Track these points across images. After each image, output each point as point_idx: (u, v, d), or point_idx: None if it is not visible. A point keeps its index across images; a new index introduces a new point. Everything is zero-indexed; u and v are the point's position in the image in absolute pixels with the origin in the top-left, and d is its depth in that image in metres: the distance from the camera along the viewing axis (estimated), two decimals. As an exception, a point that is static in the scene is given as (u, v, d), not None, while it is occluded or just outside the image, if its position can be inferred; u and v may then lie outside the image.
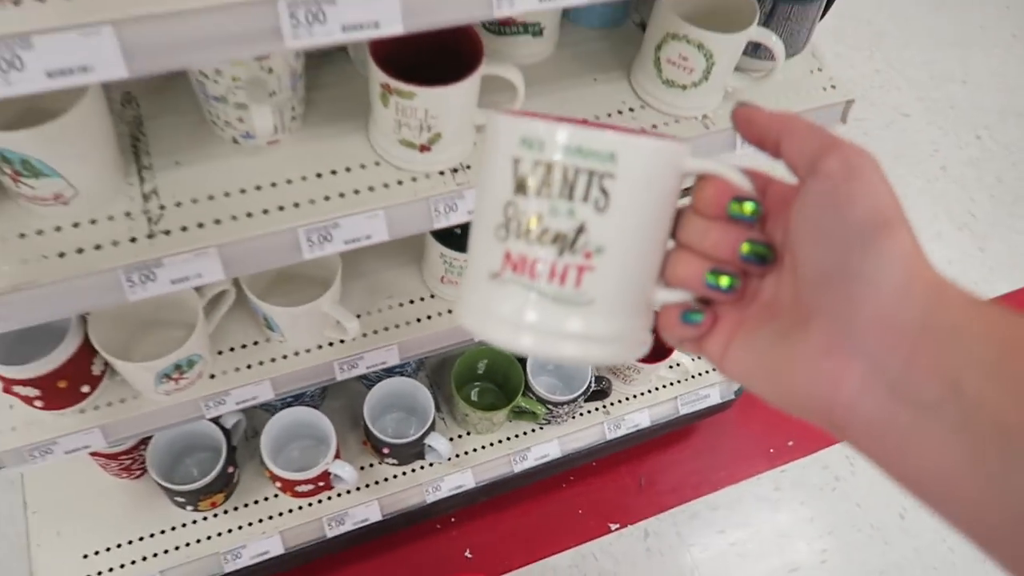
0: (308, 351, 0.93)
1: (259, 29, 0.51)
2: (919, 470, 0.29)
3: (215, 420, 1.07)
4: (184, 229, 0.67)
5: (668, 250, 0.36)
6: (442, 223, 0.76)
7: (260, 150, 0.73)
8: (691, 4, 0.79)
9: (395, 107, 0.69)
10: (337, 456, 1.10)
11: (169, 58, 0.50)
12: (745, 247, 0.34)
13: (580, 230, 0.33)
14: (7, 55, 0.45)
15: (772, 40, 0.78)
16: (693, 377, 1.33)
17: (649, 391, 1.31)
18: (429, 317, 0.98)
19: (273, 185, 0.71)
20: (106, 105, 0.64)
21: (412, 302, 0.99)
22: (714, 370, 1.32)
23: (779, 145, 0.33)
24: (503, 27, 0.82)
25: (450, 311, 0.99)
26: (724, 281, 0.34)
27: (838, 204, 0.30)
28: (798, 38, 0.86)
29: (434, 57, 0.70)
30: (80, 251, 0.64)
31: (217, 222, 0.68)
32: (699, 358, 1.29)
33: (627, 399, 1.30)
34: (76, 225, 0.66)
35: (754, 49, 0.85)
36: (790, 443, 1.50)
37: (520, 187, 0.33)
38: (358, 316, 0.94)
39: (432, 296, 1.00)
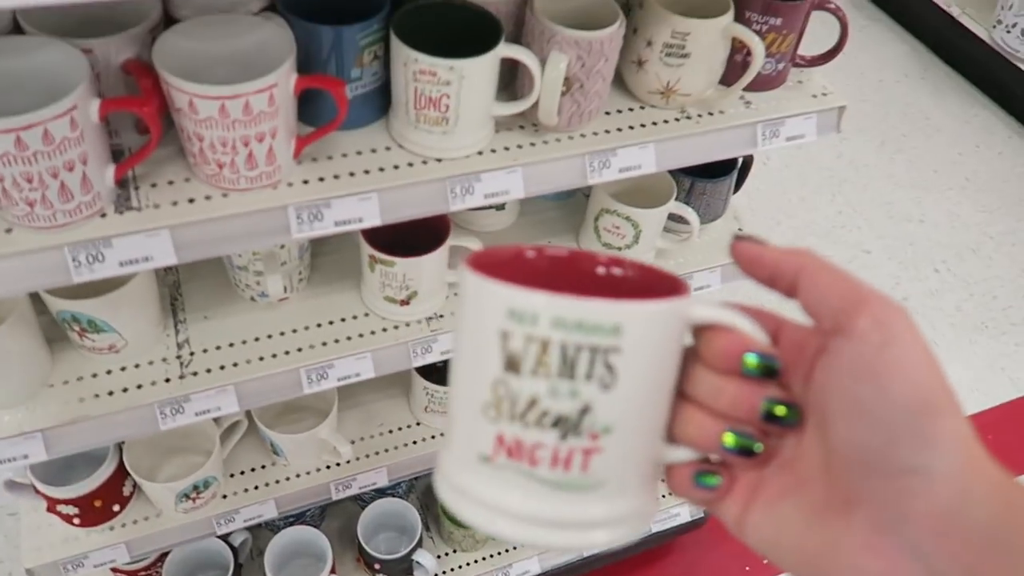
0: (308, 473, 1.07)
1: (274, 227, 0.69)
2: None
3: (224, 538, 1.19)
4: (208, 371, 0.84)
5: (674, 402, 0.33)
6: (420, 362, 0.92)
7: (273, 306, 0.91)
8: (620, 185, 0.99)
9: (379, 272, 0.87)
10: (333, 572, 1.21)
11: (207, 250, 0.68)
12: (766, 408, 0.31)
13: (584, 411, 0.30)
14: (94, 252, 0.63)
15: (687, 212, 0.96)
16: (663, 496, 1.44)
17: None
18: (415, 442, 1.13)
19: (281, 334, 0.88)
20: (154, 276, 0.82)
21: (400, 429, 1.14)
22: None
23: (795, 289, 0.30)
24: (472, 203, 1.01)
25: (434, 436, 1.14)
26: (745, 445, 0.31)
27: (877, 377, 0.26)
28: (716, 207, 1.05)
29: (412, 231, 0.89)
30: (125, 390, 0.81)
31: (235, 365, 0.85)
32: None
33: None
34: (123, 369, 0.82)
35: (679, 216, 1.04)
36: (766, 560, 1.58)
37: (511, 365, 0.30)
38: (352, 442, 1.09)
39: (418, 424, 1.15)
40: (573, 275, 0.35)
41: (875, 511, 0.27)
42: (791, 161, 2.37)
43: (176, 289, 0.92)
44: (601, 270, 0.36)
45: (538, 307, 0.30)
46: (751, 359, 0.31)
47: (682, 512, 1.45)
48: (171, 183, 0.69)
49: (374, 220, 0.73)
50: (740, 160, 1.05)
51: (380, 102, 0.77)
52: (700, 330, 0.33)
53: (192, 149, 0.66)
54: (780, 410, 0.31)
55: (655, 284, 0.33)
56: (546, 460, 0.30)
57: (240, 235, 0.68)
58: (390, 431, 1.14)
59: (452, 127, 0.73)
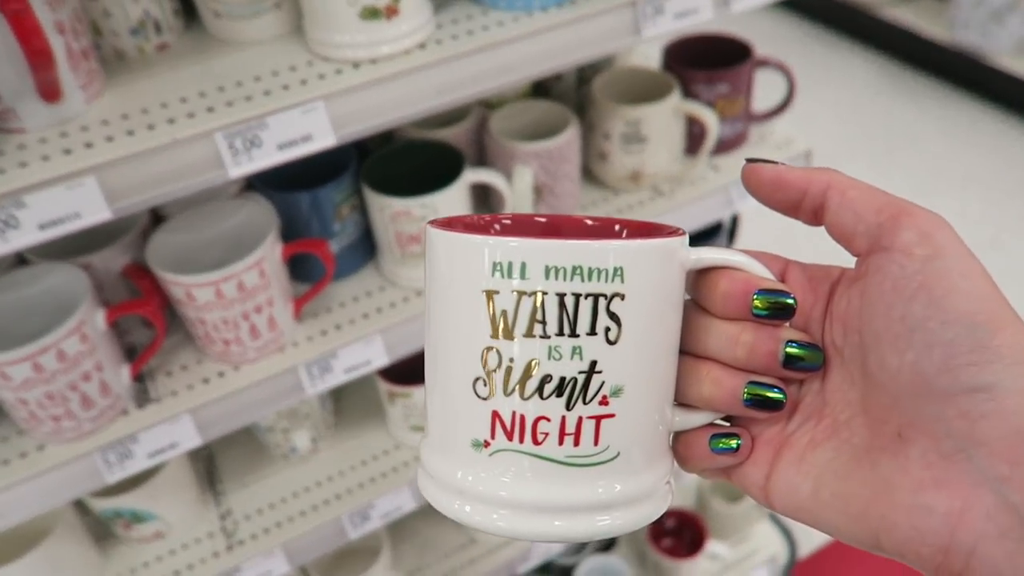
0: (373, 616, 1.06)
1: (288, 388, 0.72)
2: None
3: None
4: (254, 537, 0.85)
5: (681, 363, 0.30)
6: (457, 484, 0.92)
7: (305, 459, 0.92)
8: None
9: (400, 405, 0.88)
10: None
11: (229, 424, 0.70)
12: (789, 351, 0.28)
13: (591, 371, 0.26)
14: (122, 450, 0.66)
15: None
16: (736, 562, 1.40)
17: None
18: (472, 561, 1.12)
19: (318, 484, 0.90)
20: (187, 456, 0.85)
21: (456, 551, 1.13)
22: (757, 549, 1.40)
23: (822, 210, 0.28)
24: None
25: (490, 551, 1.12)
26: (771, 395, 0.28)
27: (928, 291, 0.24)
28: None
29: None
30: (176, 573, 0.82)
31: (279, 525, 0.86)
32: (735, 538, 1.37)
33: (680, 599, 1.36)
34: (172, 552, 0.84)
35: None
36: (803, 524, 1.51)
37: (499, 329, 0.26)
38: (410, 574, 1.08)
39: (472, 541, 1.14)
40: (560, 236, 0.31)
41: (937, 440, 0.24)
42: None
43: (211, 462, 0.94)
44: (590, 223, 0.32)
45: (527, 255, 0.26)
46: (761, 297, 0.28)
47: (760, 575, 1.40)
48: (184, 368, 0.72)
49: (381, 360, 0.76)
50: (727, 221, 1.07)
51: (366, 247, 0.80)
52: (701, 277, 0.29)
53: (198, 333, 0.69)
54: (802, 352, 0.28)
55: (648, 232, 0.30)
56: (553, 434, 0.26)
57: (257, 403, 0.71)
58: (447, 555, 1.13)
59: (437, 257, 0.76)
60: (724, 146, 0.91)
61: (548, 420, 0.26)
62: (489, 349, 0.26)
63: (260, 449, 0.94)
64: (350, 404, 0.99)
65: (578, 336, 0.26)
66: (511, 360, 0.26)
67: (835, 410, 0.28)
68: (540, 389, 0.26)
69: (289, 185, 0.73)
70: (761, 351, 0.28)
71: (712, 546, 1.35)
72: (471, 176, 0.74)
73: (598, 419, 0.26)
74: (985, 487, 0.23)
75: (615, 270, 0.26)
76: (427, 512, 1.17)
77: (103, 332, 0.63)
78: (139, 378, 0.70)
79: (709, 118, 0.81)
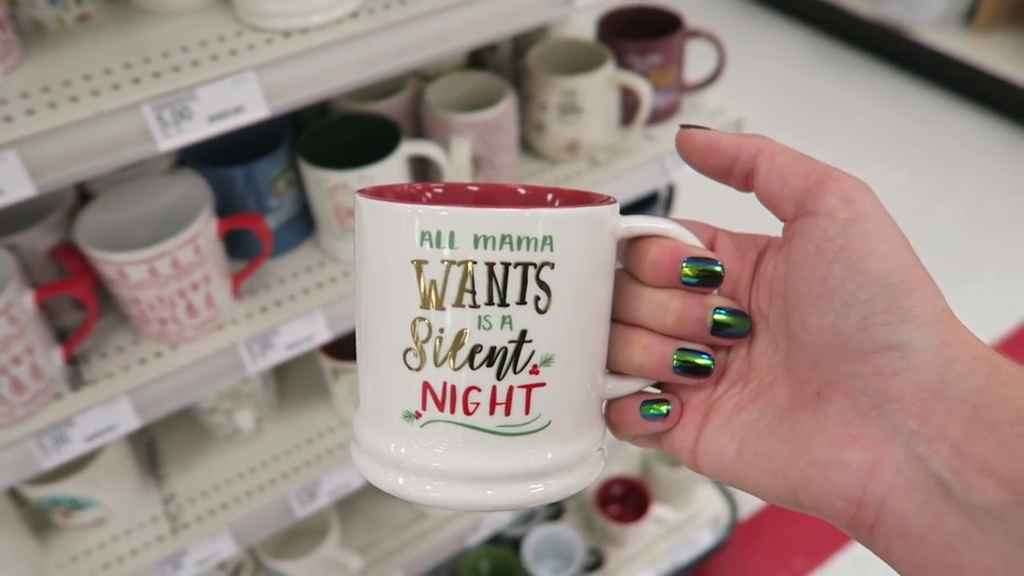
0: (324, 593, 1.06)
1: (229, 366, 0.71)
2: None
3: None
4: (199, 519, 0.84)
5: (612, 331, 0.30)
6: (405, 458, 0.93)
7: (249, 440, 0.91)
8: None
9: (344, 381, 0.88)
10: None
11: (168, 404, 0.69)
12: (717, 317, 0.29)
13: (521, 340, 0.26)
14: (58, 434, 0.65)
15: (624, 249, 0.99)
16: (680, 524, 1.44)
17: (644, 549, 1.42)
18: (423, 535, 1.13)
19: (263, 464, 0.89)
20: (127, 441, 0.83)
21: (407, 525, 1.14)
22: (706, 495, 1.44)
23: (752, 176, 0.28)
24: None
25: (441, 524, 1.13)
26: (699, 362, 0.29)
27: (848, 253, 0.25)
28: (651, 237, 1.09)
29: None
30: (121, 560, 0.81)
31: (224, 506, 0.85)
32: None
33: (626, 563, 1.40)
34: (115, 539, 0.82)
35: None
36: (730, 487, 1.57)
37: (429, 299, 0.26)
38: (361, 550, 1.08)
39: (423, 515, 1.15)
40: (491, 204, 0.31)
41: (853, 398, 0.25)
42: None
43: (152, 446, 0.92)
44: (523, 191, 0.32)
45: (455, 224, 0.25)
46: (690, 265, 0.28)
47: (703, 536, 1.45)
48: (120, 349, 0.70)
49: (323, 336, 0.75)
50: (663, 191, 1.09)
51: (304, 223, 0.80)
52: (632, 246, 0.30)
53: (133, 313, 0.68)
54: (729, 318, 0.29)
55: (579, 200, 0.30)
56: (483, 405, 0.26)
57: (197, 382, 0.70)
58: (396, 530, 1.14)
59: (377, 230, 0.75)
60: (658, 116, 0.92)
61: (479, 390, 0.26)
62: (419, 320, 0.26)
63: (202, 431, 0.92)
64: (294, 382, 0.98)
65: (508, 305, 0.26)
66: (441, 331, 0.26)
67: (760, 374, 0.29)
68: (471, 359, 0.26)
69: (223, 160, 0.72)
70: (690, 318, 0.29)
71: (657, 510, 1.38)
72: (408, 148, 0.74)
73: (529, 388, 0.27)
74: (896, 441, 0.24)
75: (544, 239, 0.26)
76: (376, 488, 1.18)
77: (32, 314, 0.61)
78: (73, 361, 0.68)
79: (643, 88, 0.83)
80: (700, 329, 0.29)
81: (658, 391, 0.31)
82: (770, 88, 2.58)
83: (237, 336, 0.71)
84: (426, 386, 0.27)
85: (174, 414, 0.95)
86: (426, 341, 0.26)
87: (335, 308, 0.75)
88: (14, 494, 0.78)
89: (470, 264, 0.25)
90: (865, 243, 0.25)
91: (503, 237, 0.25)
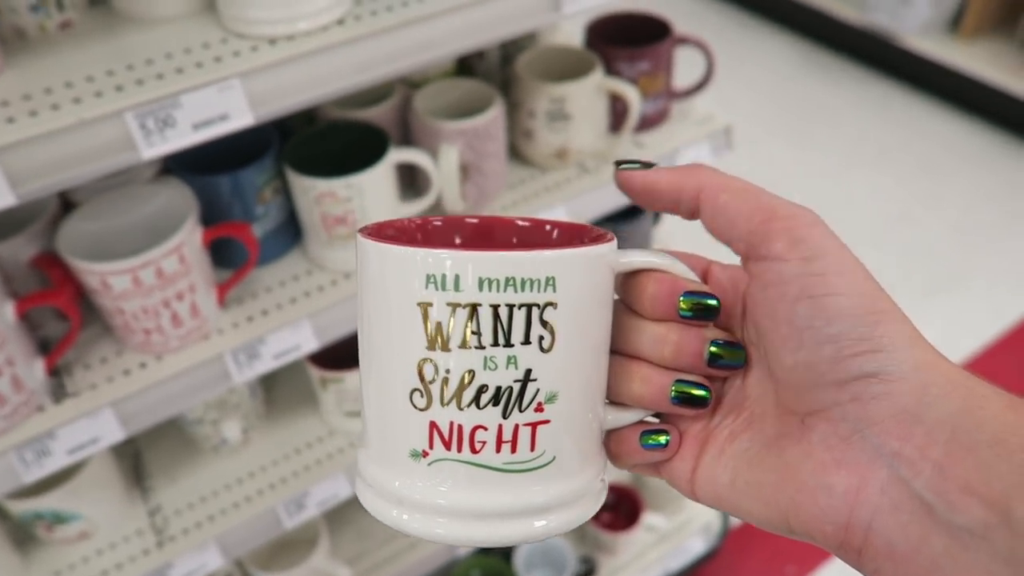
0: (313, 606, 1.05)
1: (215, 377, 0.70)
2: None
3: None
4: (185, 532, 0.83)
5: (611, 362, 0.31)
6: (394, 468, 0.92)
7: (236, 450, 0.90)
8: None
9: (333, 391, 0.87)
10: None
11: (153, 416, 0.68)
12: (713, 350, 0.29)
13: (527, 379, 0.27)
14: (39, 447, 0.63)
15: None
16: (672, 532, 1.43)
17: (636, 557, 1.41)
18: (412, 546, 1.12)
19: (251, 475, 0.88)
20: (111, 453, 0.82)
21: (395, 535, 1.13)
22: (693, 510, 1.44)
23: (697, 213, 0.29)
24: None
25: (430, 535, 1.12)
26: (697, 393, 0.29)
27: (809, 291, 0.26)
28: (641, 244, 1.08)
29: (355, 341, 0.90)
30: (104, 573, 0.79)
31: (211, 518, 0.84)
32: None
33: (617, 571, 1.39)
34: (100, 552, 0.81)
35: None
36: (726, 514, 1.57)
37: (435, 341, 0.26)
38: (350, 562, 1.07)
39: (412, 526, 1.14)
40: (491, 240, 0.32)
41: (835, 424, 0.26)
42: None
43: (137, 458, 0.91)
44: (522, 224, 0.32)
45: (461, 267, 0.26)
46: (686, 300, 0.29)
47: (695, 543, 1.44)
48: (103, 360, 0.69)
49: (311, 345, 0.74)
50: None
51: (291, 231, 0.79)
52: (630, 280, 0.30)
53: (116, 323, 0.67)
54: (724, 351, 0.29)
55: (577, 236, 0.31)
56: (490, 443, 0.27)
57: (183, 393, 0.69)
58: (386, 541, 1.13)
59: (365, 238, 0.75)
60: (647, 123, 0.92)
61: (485, 429, 0.27)
62: (425, 361, 0.27)
63: (189, 442, 0.91)
64: (281, 392, 0.97)
65: (513, 346, 0.26)
66: (447, 371, 0.26)
67: (752, 403, 0.30)
68: (477, 399, 0.27)
69: (209, 168, 0.71)
70: (687, 351, 0.29)
71: (648, 518, 1.38)
72: (396, 156, 0.73)
73: (534, 425, 0.27)
74: (879, 463, 0.25)
75: (547, 280, 0.26)
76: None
77: (13, 325, 0.61)
78: (55, 372, 0.67)
79: (631, 95, 0.83)
80: (697, 362, 0.29)
81: (657, 421, 0.31)
82: (758, 95, 2.59)
83: (223, 346, 0.70)
84: (433, 425, 0.27)
85: (160, 425, 0.94)
86: (432, 382, 0.27)
87: (322, 317, 0.74)
88: (-4, 508, 0.77)
89: (475, 306, 0.26)
90: (823, 281, 0.26)
91: (507, 279, 0.26)
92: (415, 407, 0.27)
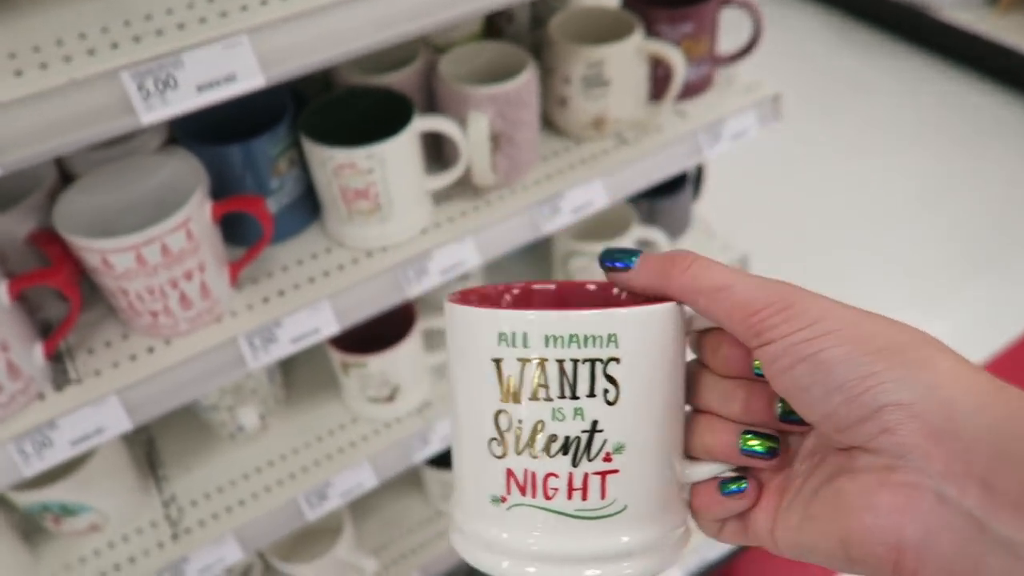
0: (337, 598, 1.01)
1: (228, 362, 0.65)
2: None
3: None
4: (202, 524, 0.79)
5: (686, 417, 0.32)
6: (421, 456, 0.87)
7: (254, 438, 0.86)
8: (581, 223, 0.96)
9: (355, 375, 0.82)
10: None
11: (162, 404, 0.64)
12: (781, 407, 0.29)
13: (593, 430, 0.28)
14: (40, 438, 0.59)
15: (654, 234, 0.93)
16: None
17: (671, 547, 1.36)
18: (441, 535, 1.07)
19: (270, 464, 0.84)
20: (121, 441, 0.78)
21: (422, 525, 1.08)
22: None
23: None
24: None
25: (457, 525, 1.08)
26: (761, 446, 0.29)
27: (802, 357, 0.27)
28: (680, 221, 1.02)
29: (379, 322, 0.85)
30: (117, 567, 0.75)
31: (228, 510, 0.80)
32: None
33: (652, 561, 1.34)
34: (111, 545, 0.77)
35: (647, 240, 1.00)
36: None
37: (508, 393, 0.28)
38: (376, 552, 1.03)
39: (439, 514, 1.09)
40: (564, 304, 0.34)
41: (876, 454, 0.26)
42: (743, 155, 2.37)
43: (151, 446, 0.87)
44: (591, 288, 0.35)
45: (528, 326, 0.28)
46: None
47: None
48: (108, 344, 0.65)
49: (331, 328, 0.69)
50: (693, 169, 1.03)
51: (308, 206, 0.74)
52: (704, 337, 0.31)
53: (121, 305, 0.62)
54: (790, 409, 0.29)
55: (653, 297, 0.31)
56: (562, 490, 0.28)
57: (193, 380, 0.64)
58: (411, 530, 1.08)
59: (388, 212, 0.69)
60: (689, 90, 0.85)
61: (556, 476, 0.28)
62: (500, 412, 0.29)
63: (204, 429, 0.87)
64: (301, 376, 0.92)
65: (578, 398, 0.28)
66: (519, 422, 0.28)
67: (816, 450, 0.30)
68: (547, 448, 0.28)
69: (219, 138, 0.66)
70: (759, 406, 0.30)
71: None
72: (421, 124, 0.67)
73: (603, 474, 0.28)
74: (925, 484, 0.25)
75: (609, 336, 0.28)
76: (390, 487, 1.12)
77: (7, 307, 0.56)
78: (56, 357, 0.63)
79: (675, 58, 0.76)
80: (769, 417, 0.30)
81: (737, 473, 0.32)
82: (791, 69, 2.49)
83: (237, 329, 0.65)
84: (509, 473, 0.29)
85: (174, 411, 0.89)
86: (507, 431, 0.28)
87: (343, 298, 0.69)
88: (1, 499, 0.73)
89: (543, 361, 0.28)
90: (811, 343, 0.27)
91: (571, 336, 0.28)
92: (493, 455, 0.29)
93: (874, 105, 2.36)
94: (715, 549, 1.37)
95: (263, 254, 0.70)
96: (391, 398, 0.85)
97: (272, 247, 0.72)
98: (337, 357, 0.81)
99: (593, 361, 0.28)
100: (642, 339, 0.28)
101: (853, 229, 2.16)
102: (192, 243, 0.60)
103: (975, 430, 0.24)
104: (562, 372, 0.28)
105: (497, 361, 0.28)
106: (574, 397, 0.28)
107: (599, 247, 0.91)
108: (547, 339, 0.28)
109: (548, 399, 0.28)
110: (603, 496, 0.28)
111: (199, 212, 0.60)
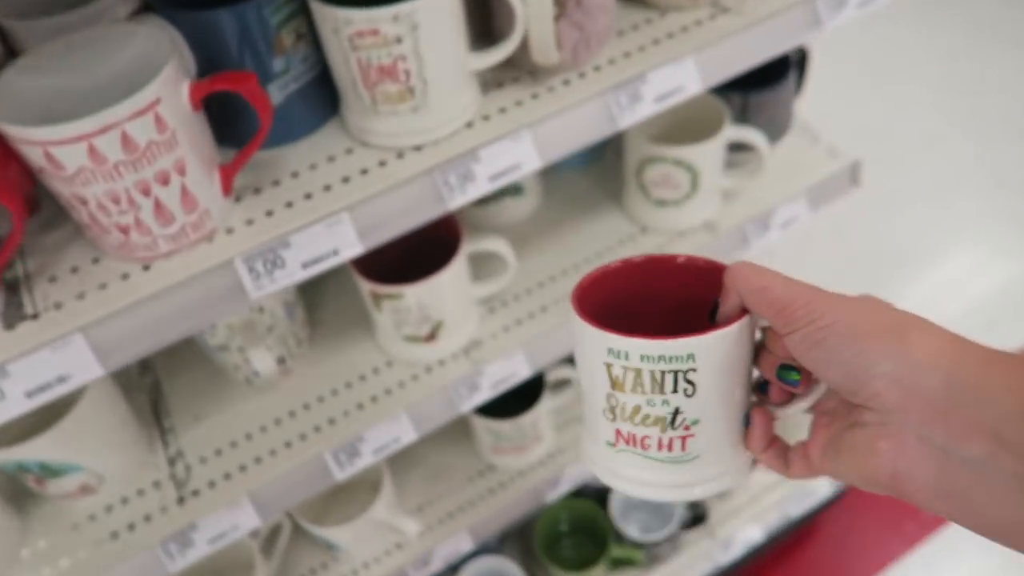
0: (378, 560, 0.89)
1: (224, 292, 0.51)
2: (991, 519, 0.32)
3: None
4: (212, 485, 0.66)
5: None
6: (468, 404, 0.73)
7: (273, 384, 0.73)
8: (659, 125, 0.78)
9: (389, 310, 0.68)
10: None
11: (141, 345, 0.50)
12: (778, 371, 0.39)
13: (676, 413, 0.38)
14: None
15: (751, 134, 0.75)
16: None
17: (750, 500, 1.21)
18: (492, 491, 0.94)
19: (292, 415, 0.71)
20: (114, 387, 0.65)
21: (471, 480, 0.96)
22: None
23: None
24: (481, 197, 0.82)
25: (512, 480, 0.95)
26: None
27: (813, 342, 0.35)
28: (781, 121, 0.84)
29: (418, 245, 0.70)
30: (115, 535, 0.64)
31: (243, 468, 0.67)
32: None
33: (730, 517, 1.20)
34: (109, 509, 0.66)
35: (740, 144, 0.83)
36: (908, 525, 1.35)
37: (616, 385, 0.38)
38: (419, 509, 0.91)
39: (491, 468, 0.96)
40: (655, 278, 0.43)
41: (875, 413, 0.34)
42: (846, 50, 2.12)
43: (156, 392, 0.75)
44: (680, 261, 0.42)
45: (629, 348, 0.37)
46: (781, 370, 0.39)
47: (819, 487, 1.23)
48: (75, 270, 0.51)
49: (353, 248, 0.55)
50: (795, 57, 0.84)
51: (323, 96, 0.58)
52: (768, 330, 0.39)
53: (82, 218, 0.48)
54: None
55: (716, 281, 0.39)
56: (654, 445, 0.39)
57: (179, 314, 0.50)
58: (460, 485, 0.95)
59: (422, 99, 0.54)
60: (804, -55, 0.66)
61: (650, 438, 0.39)
62: (610, 395, 0.39)
63: (218, 373, 0.74)
64: (328, 312, 0.79)
65: (664, 394, 0.38)
66: (624, 404, 0.39)
67: (846, 404, 0.37)
68: (643, 422, 0.39)
69: (205, 2, 0.51)
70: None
71: (766, 457, 1.18)
72: (463, -25, 0.51)
73: (683, 438, 0.39)
74: (907, 430, 0.33)
75: (688, 356, 0.37)
76: (435, 438, 0.99)
77: (-77, 218, 0.42)
78: (10, 287, 0.50)
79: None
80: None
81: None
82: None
83: (233, 250, 0.51)
84: (618, 432, 0.40)
85: (186, 352, 0.77)
86: (616, 407, 0.39)
87: (368, 210, 0.54)
88: (-26, 457, 0.61)
89: (639, 371, 0.38)
90: (819, 332, 0.35)
91: (659, 356, 0.37)
92: (606, 418, 0.40)
93: (971, 6, 2.09)
94: (799, 504, 1.22)
95: (268, 157, 0.56)
96: (432, 336, 0.70)
97: (280, 148, 0.57)
98: (367, 287, 0.67)
99: (676, 371, 0.37)
100: (711, 355, 0.37)
101: (960, 141, 1.93)
102: (165, 134, 0.45)
103: (933, 384, 0.32)
104: (653, 378, 0.37)
105: (608, 365, 0.38)
106: (662, 392, 0.37)
107: (683, 152, 0.74)
108: (642, 357, 0.37)
109: (643, 393, 0.38)
110: (683, 450, 0.39)
111: (172, 93, 0.45)
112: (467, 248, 0.69)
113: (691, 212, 0.79)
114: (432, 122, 0.55)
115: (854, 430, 0.35)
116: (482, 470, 0.96)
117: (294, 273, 0.53)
